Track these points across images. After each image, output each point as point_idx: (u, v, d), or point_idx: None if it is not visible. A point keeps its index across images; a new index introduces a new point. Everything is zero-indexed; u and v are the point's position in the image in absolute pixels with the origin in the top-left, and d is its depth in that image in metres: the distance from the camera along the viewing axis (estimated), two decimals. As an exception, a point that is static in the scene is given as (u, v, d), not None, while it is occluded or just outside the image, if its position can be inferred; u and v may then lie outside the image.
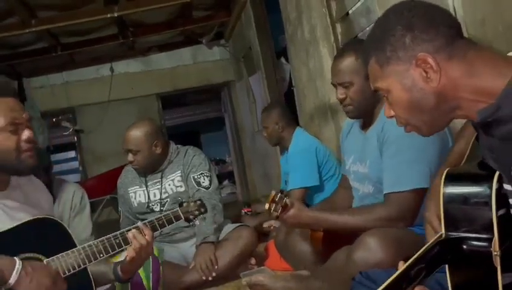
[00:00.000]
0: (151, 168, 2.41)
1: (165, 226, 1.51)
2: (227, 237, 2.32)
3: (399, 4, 0.87)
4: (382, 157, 1.45)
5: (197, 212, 1.60)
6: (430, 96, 0.83)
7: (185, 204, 1.61)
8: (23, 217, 1.29)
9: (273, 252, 2.21)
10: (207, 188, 2.36)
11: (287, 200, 1.47)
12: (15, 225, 1.25)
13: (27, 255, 1.24)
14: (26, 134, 1.28)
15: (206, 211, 1.64)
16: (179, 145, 2.50)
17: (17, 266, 1.07)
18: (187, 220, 1.60)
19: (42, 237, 1.30)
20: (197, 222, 1.68)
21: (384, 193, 1.42)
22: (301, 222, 1.52)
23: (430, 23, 0.82)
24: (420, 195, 1.32)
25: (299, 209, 1.50)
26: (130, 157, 2.36)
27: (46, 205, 1.44)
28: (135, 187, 2.48)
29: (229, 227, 2.40)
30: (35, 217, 1.31)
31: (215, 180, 2.42)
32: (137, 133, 2.33)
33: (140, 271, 1.70)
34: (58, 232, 1.34)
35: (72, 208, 2.09)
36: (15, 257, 1.09)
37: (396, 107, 0.88)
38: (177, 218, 1.55)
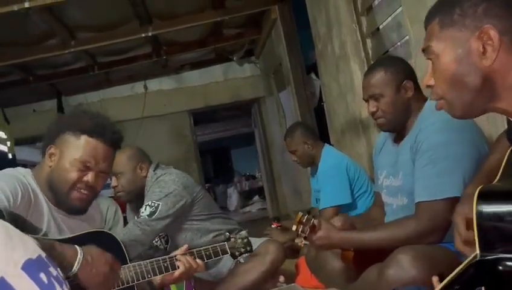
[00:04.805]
0: (136, 197, 2.22)
1: (211, 258, 1.57)
2: (255, 252, 2.29)
3: None
4: (415, 167, 1.42)
5: (242, 250, 1.62)
6: (477, 75, 0.80)
7: (232, 239, 1.62)
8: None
9: (304, 269, 2.18)
10: (143, 216, 2.04)
11: (314, 221, 1.46)
12: (75, 234, 1.31)
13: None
14: (89, 177, 1.31)
15: (251, 249, 1.65)
16: (157, 171, 2.22)
17: (79, 255, 1.11)
18: (233, 255, 1.62)
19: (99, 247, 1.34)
20: (241, 260, 1.69)
21: (416, 201, 1.39)
22: (330, 242, 1.49)
23: (508, 2, 0.79)
24: (454, 205, 1.29)
25: (327, 230, 1.47)
26: (114, 182, 2.19)
27: (98, 221, 1.53)
28: None
29: (255, 241, 2.34)
30: (94, 229, 1.38)
31: (167, 210, 2.05)
32: (120, 156, 2.08)
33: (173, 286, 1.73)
34: (113, 246, 1.37)
35: (106, 221, 2.14)
36: (76, 246, 1.12)
37: (439, 77, 0.86)
38: (224, 252, 1.59)
